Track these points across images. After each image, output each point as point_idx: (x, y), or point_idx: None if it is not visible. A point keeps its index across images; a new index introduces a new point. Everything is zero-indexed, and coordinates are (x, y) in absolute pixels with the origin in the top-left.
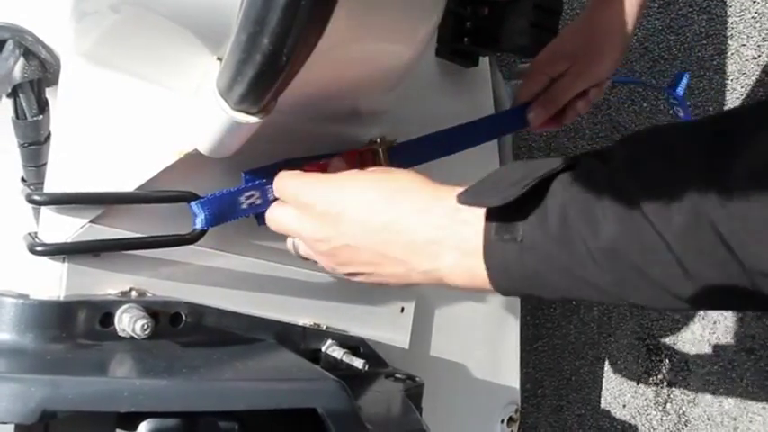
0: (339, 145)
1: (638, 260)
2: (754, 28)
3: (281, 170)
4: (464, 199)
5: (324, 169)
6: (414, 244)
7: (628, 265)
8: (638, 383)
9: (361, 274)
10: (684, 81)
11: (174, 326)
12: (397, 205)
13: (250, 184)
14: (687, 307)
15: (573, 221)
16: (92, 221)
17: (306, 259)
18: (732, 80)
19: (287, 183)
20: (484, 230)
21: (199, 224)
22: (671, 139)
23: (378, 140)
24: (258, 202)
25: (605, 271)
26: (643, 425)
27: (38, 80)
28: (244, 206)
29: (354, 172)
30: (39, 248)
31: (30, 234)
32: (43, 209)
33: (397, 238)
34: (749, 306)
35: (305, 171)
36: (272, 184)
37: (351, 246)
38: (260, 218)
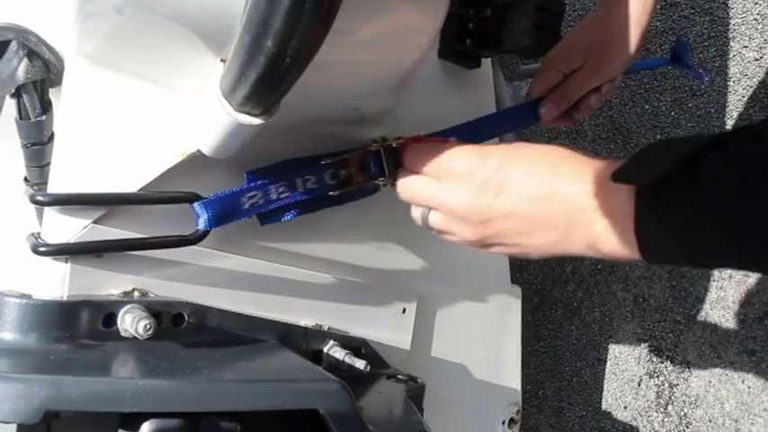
0: (341, 145)
1: None
2: (756, 30)
3: (282, 171)
4: (619, 176)
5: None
6: (570, 211)
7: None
8: (639, 385)
9: (505, 245)
10: (686, 49)
11: (177, 326)
12: (558, 175)
13: (252, 185)
14: None
15: (729, 199)
16: (95, 222)
17: (433, 230)
18: (734, 82)
19: (430, 153)
20: (635, 205)
21: (201, 225)
22: None
23: (379, 140)
24: (260, 202)
25: (747, 242)
26: (645, 426)
27: (41, 81)
28: (246, 206)
29: (507, 145)
30: (42, 249)
31: (33, 234)
32: (46, 209)
33: (556, 205)
34: None
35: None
36: (274, 184)
37: (509, 215)
38: (262, 218)
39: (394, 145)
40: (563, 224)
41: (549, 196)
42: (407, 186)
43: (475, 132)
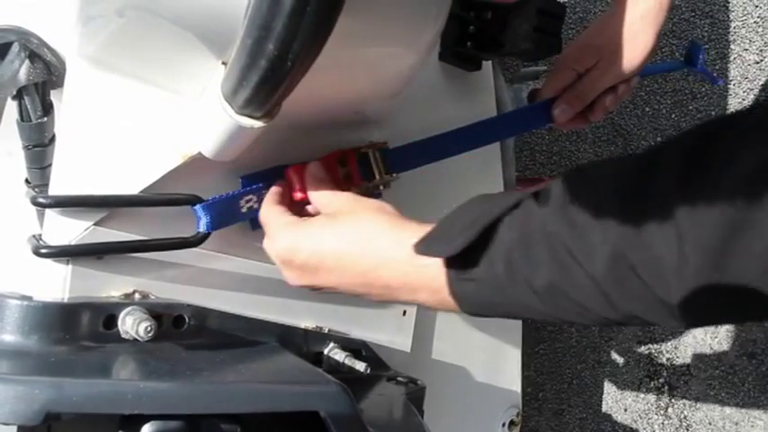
0: (339, 147)
1: (573, 295)
2: (757, 32)
3: (274, 175)
4: (420, 249)
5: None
6: (390, 287)
7: (565, 299)
8: (639, 387)
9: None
10: (701, 54)
11: (178, 328)
12: (368, 257)
13: (248, 188)
14: (619, 324)
15: (516, 264)
16: (96, 224)
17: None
18: (734, 84)
19: (264, 219)
20: (445, 274)
21: (203, 227)
22: (597, 177)
23: (367, 143)
24: (256, 206)
25: (547, 304)
26: (645, 429)
27: (43, 83)
28: (243, 209)
29: (322, 219)
30: (43, 251)
31: (34, 236)
32: (47, 211)
33: (373, 282)
34: (672, 324)
35: (286, 172)
36: (268, 188)
37: (334, 287)
38: (254, 222)
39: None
40: (387, 292)
41: (362, 276)
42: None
43: (486, 133)
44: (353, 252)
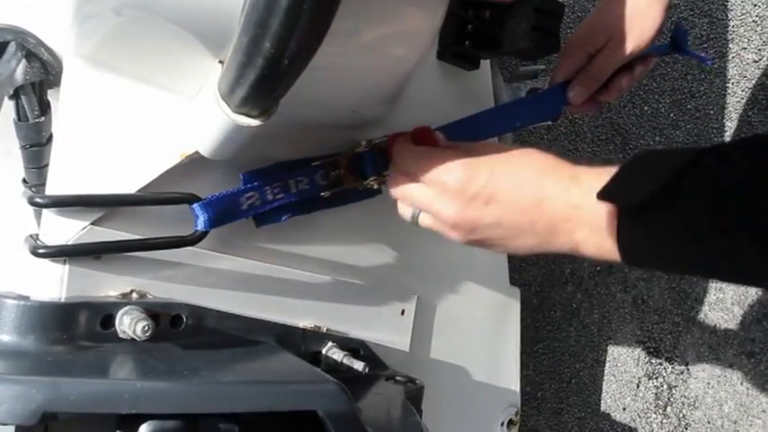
0: (339, 147)
1: (759, 265)
2: (755, 31)
3: (276, 172)
4: (602, 195)
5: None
6: (555, 221)
7: (748, 268)
8: (638, 386)
9: (492, 245)
10: (685, 35)
11: (175, 328)
12: (544, 186)
13: (249, 186)
14: None
15: (703, 224)
16: (93, 223)
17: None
18: (733, 83)
19: (421, 159)
20: (618, 221)
21: (200, 226)
22: None
23: (363, 143)
24: (258, 203)
25: (728, 265)
26: (643, 428)
27: (40, 82)
28: (244, 207)
29: (494, 150)
30: (41, 251)
31: (31, 236)
32: (45, 211)
33: (541, 215)
34: None
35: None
36: (269, 185)
37: (496, 224)
38: (258, 220)
39: (382, 145)
40: (547, 231)
41: (535, 206)
42: (400, 189)
43: (499, 121)
44: (529, 184)
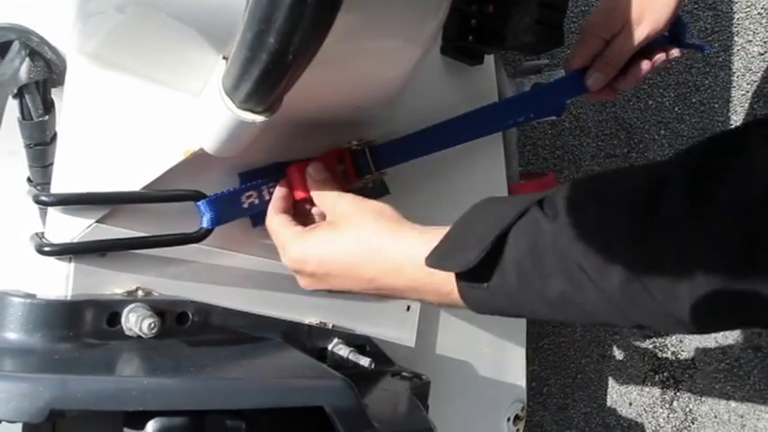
0: (343, 143)
1: (585, 306)
2: (761, 24)
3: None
4: (431, 263)
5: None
6: (399, 291)
7: (575, 308)
8: (644, 381)
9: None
10: (684, 28)
11: (181, 325)
12: (375, 266)
13: (248, 185)
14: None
15: (527, 275)
16: (98, 221)
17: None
18: (738, 77)
19: (273, 231)
20: (454, 283)
21: (206, 223)
22: (604, 193)
23: (356, 142)
24: (256, 201)
25: (557, 311)
26: (650, 422)
27: (43, 81)
28: (245, 205)
29: (327, 229)
30: (47, 249)
31: (37, 234)
32: (50, 209)
33: (383, 287)
34: (681, 332)
35: (287, 171)
36: (267, 184)
37: (346, 290)
38: (255, 220)
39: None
40: (396, 296)
41: (371, 282)
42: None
43: (519, 108)
44: (360, 262)
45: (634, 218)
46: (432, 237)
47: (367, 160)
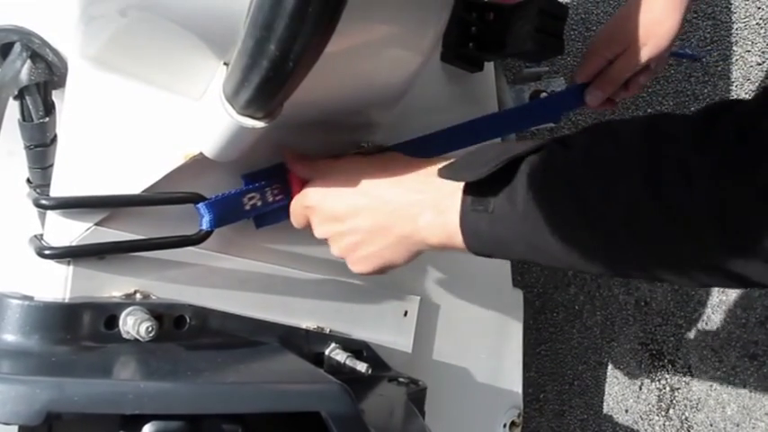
0: (343, 148)
1: (588, 240)
2: (759, 34)
3: (276, 173)
4: (445, 173)
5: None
6: (396, 210)
7: (579, 243)
8: (640, 388)
9: (364, 258)
10: (687, 51)
11: (179, 328)
12: (376, 182)
13: (251, 186)
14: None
15: (536, 201)
16: (97, 224)
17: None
18: (737, 86)
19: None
20: (461, 201)
21: (205, 225)
22: (621, 132)
23: (366, 145)
24: (258, 203)
25: (561, 245)
26: (646, 430)
27: (44, 83)
28: (247, 207)
29: (331, 162)
30: (46, 252)
31: (36, 236)
32: (49, 212)
33: (381, 207)
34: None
35: (289, 175)
36: (269, 186)
37: (347, 232)
38: (258, 221)
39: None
40: (390, 222)
41: (370, 203)
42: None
43: (520, 118)
44: (375, 175)
45: (646, 149)
46: (452, 160)
47: None
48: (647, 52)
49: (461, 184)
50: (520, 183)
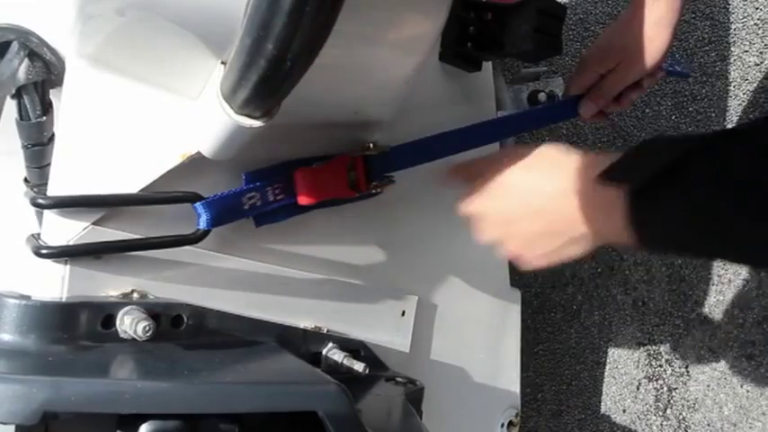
0: (341, 148)
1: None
2: (757, 35)
3: (278, 172)
4: (606, 177)
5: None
6: (568, 217)
7: (763, 245)
8: (638, 388)
9: (542, 255)
10: (676, 68)
11: (176, 328)
12: (539, 190)
13: (251, 185)
14: None
15: (715, 195)
16: (94, 223)
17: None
18: (734, 86)
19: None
20: (626, 205)
21: (203, 224)
22: None
23: (370, 146)
24: (259, 203)
25: (742, 238)
26: (643, 430)
27: (42, 82)
28: (246, 207)
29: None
30: (44, 251)
31: (33, 236)
32: (46, 211)
33: (552, 214)
34: None
35: (294, 177)
36: (271, 185)
37: (525, 236)
38: (258, 220)
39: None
40: (565, 228)
41: (542, 212)
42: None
43: (518, 125)
44: (541, 182)
45: None
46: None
47: (380, 166)
48: (637, 68)
49: (627, 184)
50: (693, 178)
